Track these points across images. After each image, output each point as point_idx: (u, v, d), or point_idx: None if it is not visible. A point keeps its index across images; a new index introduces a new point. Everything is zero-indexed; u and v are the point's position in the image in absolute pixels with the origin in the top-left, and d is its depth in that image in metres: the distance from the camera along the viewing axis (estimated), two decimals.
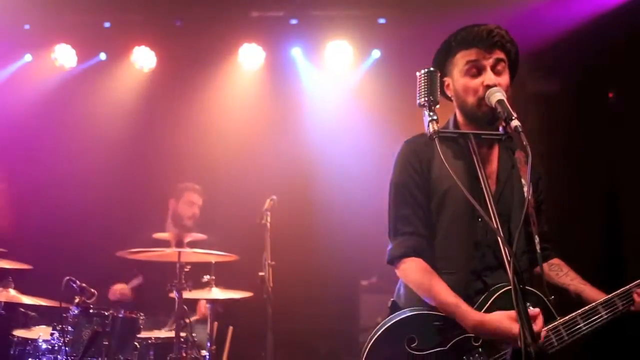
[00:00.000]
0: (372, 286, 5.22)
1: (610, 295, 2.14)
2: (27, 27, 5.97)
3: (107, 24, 5.94)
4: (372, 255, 5.26)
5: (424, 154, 2.20)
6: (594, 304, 2.13)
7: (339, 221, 5.71)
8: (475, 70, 2.14)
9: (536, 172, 2.35)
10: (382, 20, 5.73)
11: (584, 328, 2.08)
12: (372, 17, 5.72)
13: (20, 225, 5.64)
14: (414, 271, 2.15)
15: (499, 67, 2.14)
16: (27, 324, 4.05)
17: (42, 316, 4.23)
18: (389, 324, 2.07)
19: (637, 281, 2.16)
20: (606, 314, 2.11)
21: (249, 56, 5.90)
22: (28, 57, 6.15)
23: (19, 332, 3.77)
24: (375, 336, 2.06)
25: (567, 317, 2.09)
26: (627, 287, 2.15)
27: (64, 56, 6.01)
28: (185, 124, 6.02)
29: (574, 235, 4.71)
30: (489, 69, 2.12)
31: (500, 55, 2.15)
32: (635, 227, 4.82)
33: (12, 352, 3.65)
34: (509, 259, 1.64)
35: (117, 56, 6.09)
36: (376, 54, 5.92)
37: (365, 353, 2.03)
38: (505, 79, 2.15)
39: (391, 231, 2.24)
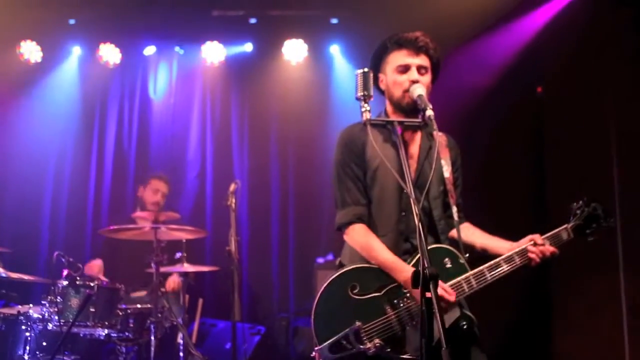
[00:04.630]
0: (327, 264, 5.67)
1: (510, 252, 2.63)
2: None
3: (71, 21, 6.20)
4: (327, 236, 5.86)
5: (359, 138, 2.67)
6: (497, 259, 2.62)
7: (298, 204, 6.21)
8: (404, 68, 2.65)
9: (454, 152, 2.84)
10: (334, 20, 6.23)
11: (489, 278, 2.58)
12: (326, 17, 6.20)
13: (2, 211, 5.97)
14: (358, 235, 2.63)
15: (423, 69, 2.66)
16: (7, 304, 4.40)
17: (23, 296, 4.59)
18: (337, 274, 2.56)
19: (530, 242, 2.65)
20: (507, 267, 2.60)
21: (212, 53, 6.28)
22: None
23: (4, 310, 4.10)
24: (325, 284, 2.53)
25: (476, 270, 2.58)
26: (523, 246, 2.64)
27: (29, 51, 6.21)
28: (155, 116, 6.40)
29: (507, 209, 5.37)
30: (414, 68, 2.63)
31: (424, 59, 2.67)
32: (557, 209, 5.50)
33: None
34: (417, 211, 2.14)
35: (83, 52, 6.40)
36: (334, 49, 6.42)
37: (318, 297, 2.50)
38: (427, 78, 2.66)
39: (338, 202, 2.70)
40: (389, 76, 2.69)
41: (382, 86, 2.75)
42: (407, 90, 2.60)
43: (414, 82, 2.60)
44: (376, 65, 2.74)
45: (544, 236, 2.69)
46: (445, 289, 2.44)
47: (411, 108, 2.60)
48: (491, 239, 2.77)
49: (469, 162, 2.94)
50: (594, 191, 4.67)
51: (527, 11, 5.80)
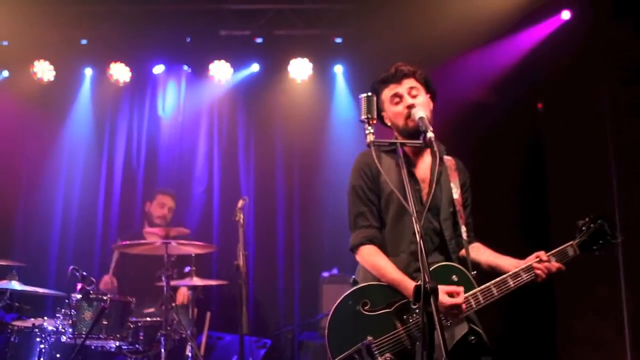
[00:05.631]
0: (332, 278, 5.75)
1: (516, 269, 2.71)
2: (5, 43, 6.35)
3: (84, 41, 6.39)
4: (332, 251, 5.96)
5: (373, 163, 2.69)
6: (504, 275, 2.70)
7: (303, 218, 6.31)
8: (398, 98, 2.79)
9: (462, 175, 2.96)
10: (338, 40, 6.40)
11: (496, 294, 2.66)
12: (330, 37, 6.38)
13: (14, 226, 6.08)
14: (369, 255, 2.74)
15: (414, 91, 2.79)
16: (20, 317, 4.49)
17: (35, 309, 4.67)
18: (349, 292, 2.67)
19: (535, 258, 2.72)
20: (513, 283, 2.67)
21: (219, 72, 6.42)
22: (5, 73, 6.53)
23: (18, 322, 4.20)
24: (338, 301, 2.63)
25: (483, 286, 2.66)
26: (529, 263, 2.71)
27: (42, 70, 6.37)
28: (163, 133, 6.52)
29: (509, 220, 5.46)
30: (405, 94, 2.78)
31: (411, 81, 2.81)
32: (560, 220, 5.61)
33: (12, 340, 4.04)
34: (419, 229, 2.21)
35: (94, 71, 6.55)
36: (338, 68, 6.56)
37: (331, 313, 2.60)
38: (422, 98, 2.79)
39: (351, 224, 2.82)
40: (389, 111, 2.84)
41: (388, 122, 2.89)
42: (408, 117, 2.73)
43: (411, 106, 2.72)
44: (377, 107, 2.77)
45: (549, 253, 2.76)
46: (454, 292, 2.53)
47: (416, 131, 2.69)
48: (498, 257, 2.85)
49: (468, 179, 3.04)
50: (594, 203, 4.81)
51: (526, 26, 5.95)
